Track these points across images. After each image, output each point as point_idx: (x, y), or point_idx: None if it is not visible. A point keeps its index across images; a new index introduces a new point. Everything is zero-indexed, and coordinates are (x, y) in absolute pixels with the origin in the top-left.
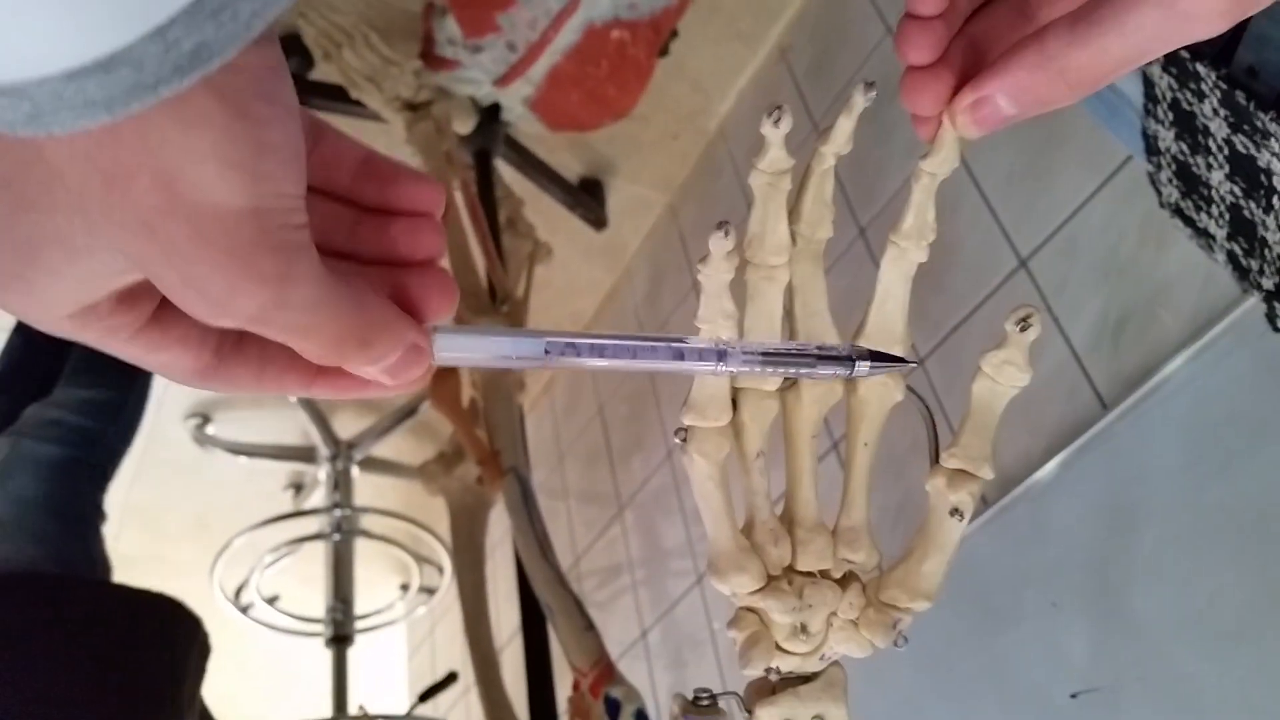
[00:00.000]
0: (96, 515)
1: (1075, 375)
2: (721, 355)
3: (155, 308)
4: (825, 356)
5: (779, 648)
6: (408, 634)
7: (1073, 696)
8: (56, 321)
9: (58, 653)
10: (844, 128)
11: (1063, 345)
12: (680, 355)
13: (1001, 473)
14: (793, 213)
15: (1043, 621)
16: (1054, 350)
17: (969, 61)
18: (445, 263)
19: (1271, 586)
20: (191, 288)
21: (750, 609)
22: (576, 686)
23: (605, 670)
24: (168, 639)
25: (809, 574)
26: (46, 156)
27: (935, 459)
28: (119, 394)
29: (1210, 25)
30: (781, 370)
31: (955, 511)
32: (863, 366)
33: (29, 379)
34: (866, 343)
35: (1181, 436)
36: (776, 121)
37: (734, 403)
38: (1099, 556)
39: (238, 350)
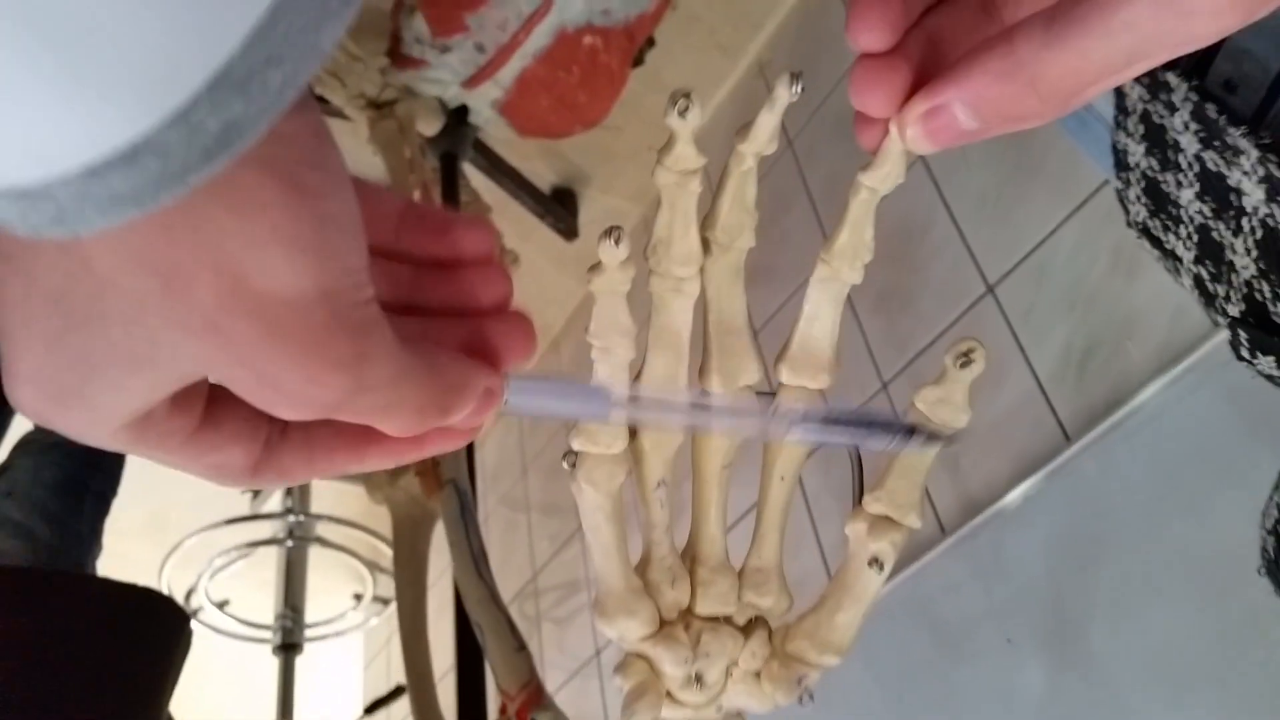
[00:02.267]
0: (94, 537)
1: (1039, 405)
2: (792, 424)
3: (205, 405)
4: (881, 425)
5: (670, 697)
6: (364, 644)
7: None
8: (112, 435)
9: (54, 650)
10: (766, 124)
11: (1027, 373)
12: (738, 414)
13: (964, 500)
14: (708, 218)
15: (998, 657)
16: (1018, 378)
17: (927, 58)
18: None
19: (1232, 630)
20: (268, 386)
21: (640, 655)
22: (504, 710)
23: (534, 694)
24: (161, 637)
25: (709, 619)
26: (94, 267)
27: (858, 500)
28: None
29: (1215, 24)
30: (837, 441)
31: (875, 562)
32: (917, 440)
33: None
34: (789, 367)
35: (1146, 472)
36: (683, 112)
37: (634, 428)
38: (1058, 591)
39: (284, 438)
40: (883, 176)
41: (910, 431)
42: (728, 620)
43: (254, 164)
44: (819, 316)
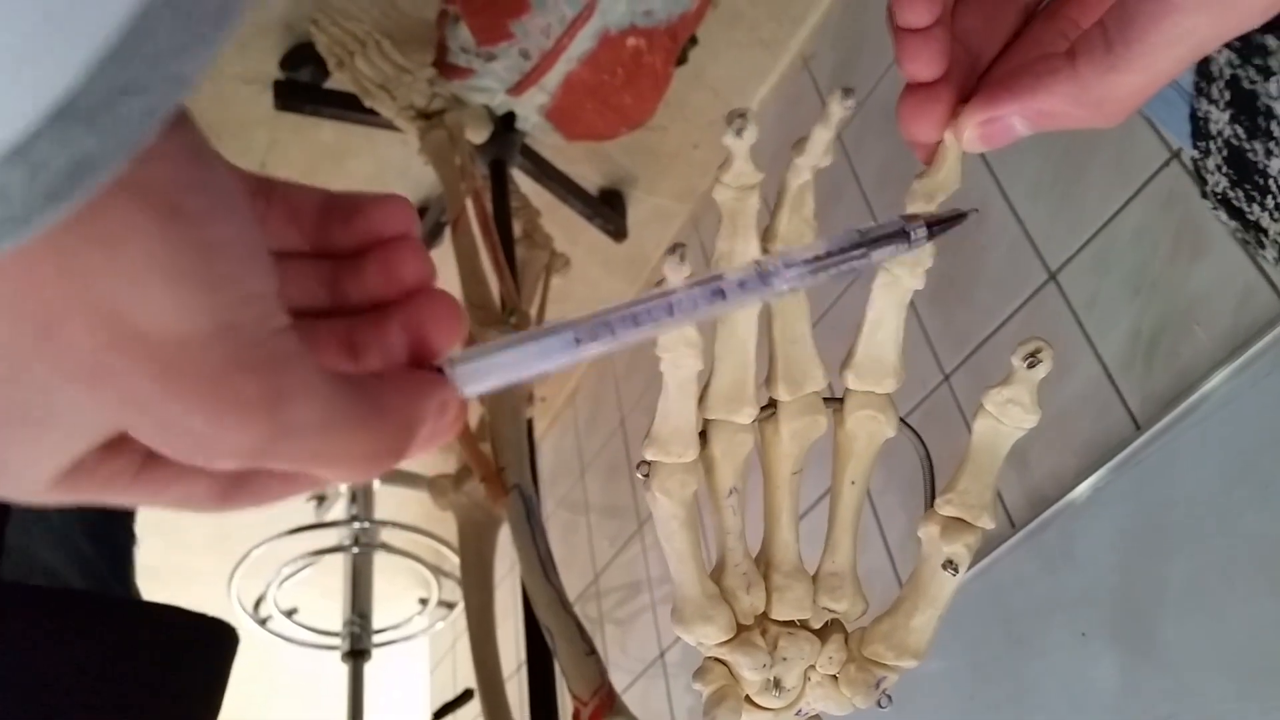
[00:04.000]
0: (129, 539)
1: (1108, 394)
2: (765, 278)
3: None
4: (875, 239)
5: (749, 702)
6: (430, 648)
7: None
8: (44, 495)
9: (99, 674)
10: (821, 138)
11: (1094, 362)
12: (722, 294)
13: (1032, 494)
14: (768, 230)
15: (1071, 651)
16: (1085, 367)
17: (965, 67)
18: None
19: None
20: (170, 431)
21: (718, 660)
22: (576, 715)
23: (606, 699)
24: (210, 660)
25: (786, 623)
26: None
27: (930, 503)
28: None
29: (1272, 9)
30: (835, 272)
31: (949, 564)
32: (920, 235)
33: None
34: (855, 374)
35: (1219, 459)
36: (739, 131)
37: (705, 435)
38: (1130, 584)
39: None
40: (939, 182)
41: (907, 232)
42: (804, 625)
43: (121, 192)
44: (883, 322)
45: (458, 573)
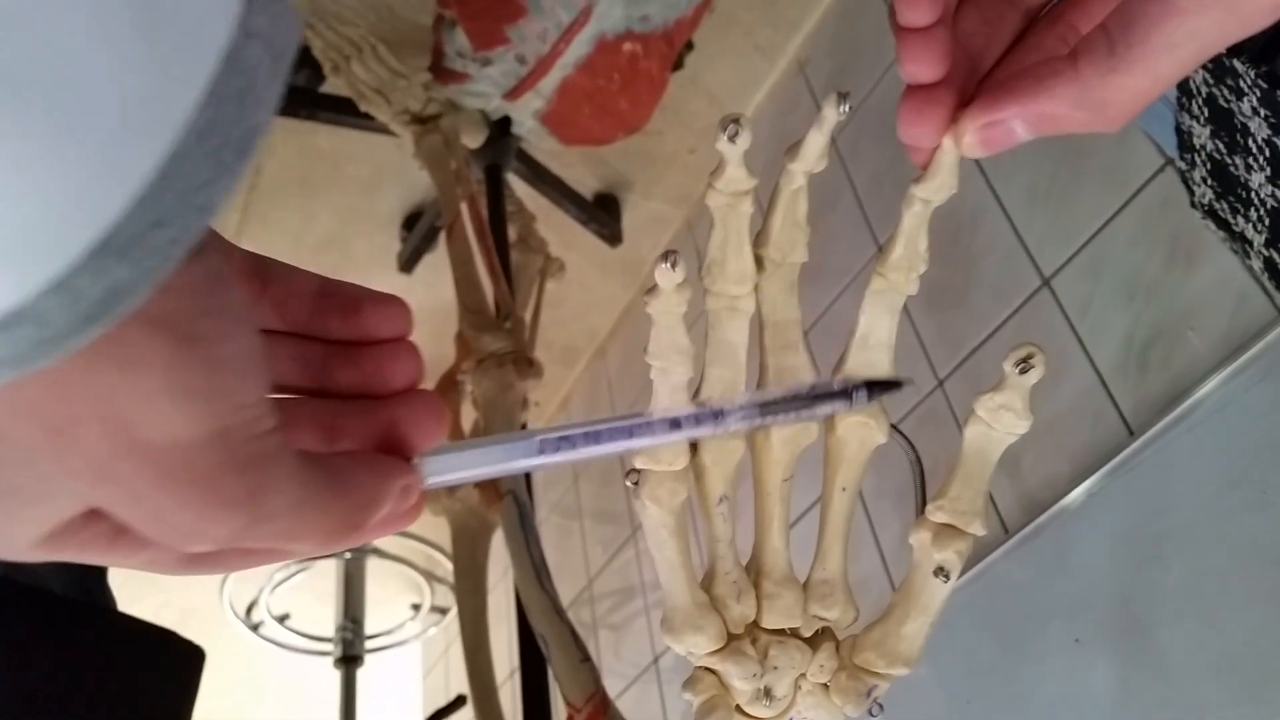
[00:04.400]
0: None
1: (1101, 399)
2: (718, 416)
3: None
4: (820, 395)
5: (740, 711)
6: (422, 654)
7: None
8: (26, 554)
9: (71, 680)
10: (815, 143)
11: (1088, 368)
12: (678, 424)
13: (1025, 499)
14: (761, 235)
15: (1066, 657)
16: (1079, 373)
17: (966, 71)
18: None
19: None
20: (159, 522)
21: (709, 669)
22: None
23: (599, 705)
24: (179, 678)
25: (776, 632)
26: None
27: (921, 509)
28: None
29: (1275, 14)
30: (781, 419)
31: (940, 571)
32: (861, 397)
33: None
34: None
35: (1213, 465)
36: (733, 137)
37: (695, 443)
38: (1126, 589)
39: None
40: (936, 187)
41: (850, 392)
42: (794, 633)
43: (144, 321)
44: (875, 328)
45: (450, 578)
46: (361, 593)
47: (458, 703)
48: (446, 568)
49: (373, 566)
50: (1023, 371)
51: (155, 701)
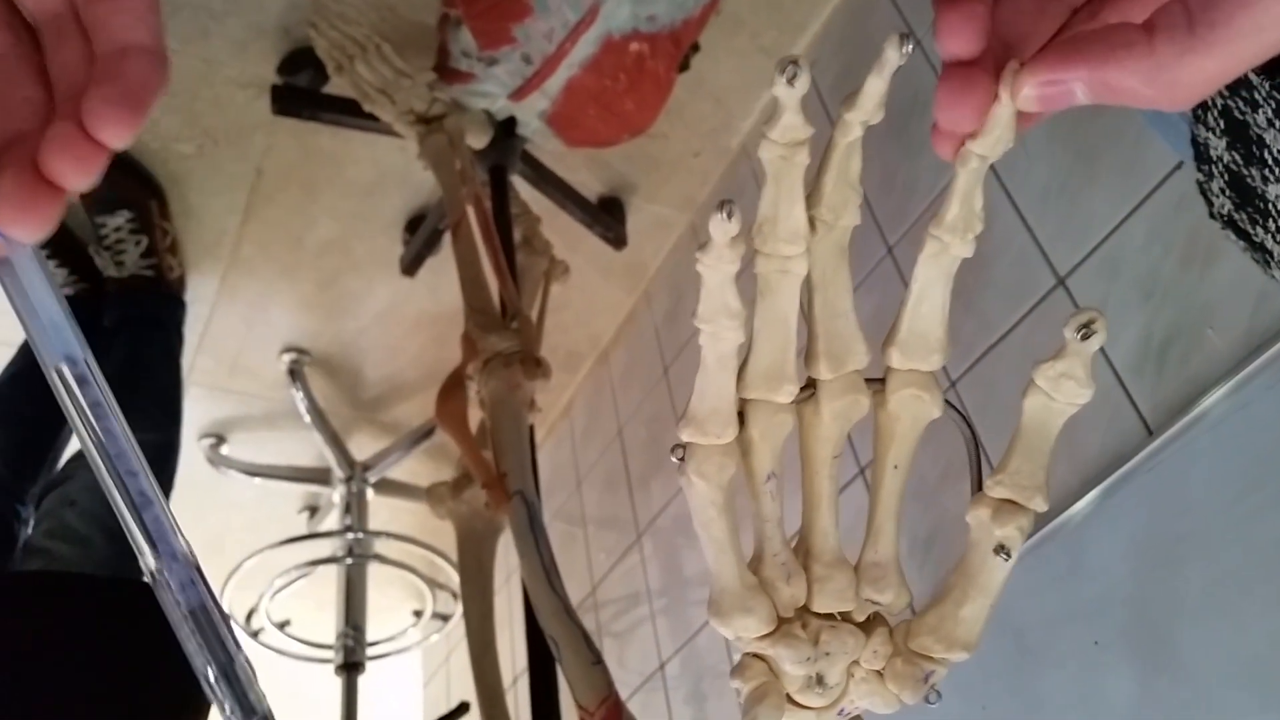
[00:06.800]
0: None
1: (1119, 399)
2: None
3: None
4: None
5: (791, 700)
6: (423, 660)
7: None
8: None
9: (105, 650)
10: (874, 89)
11: (1105, 367)
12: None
13: None
14: (812, 195)
15: (1084, 662)
16: (1096, 372)
17: (1003, 58)
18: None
19: None
20: None
21: (758, 656)
22: None
23: (613, 709)
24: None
25: (827, 616)
26: None
27: (978, 486)
28: (166, 435)
29: None
30: None
31: (1001, 549)
32: None
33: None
34: (899, 351)
35: (1232, 465)
36: (791, 79)
37: (742, 416)
38: (1144, 591)
39: None
40: (993, 142)
41: None
42: (846, 617)
43: None
44: (928, 295)
45: (453, 585)
46: (363, 599)
47: (461, 709)
48: (449, 574)
49: (375, 572)
50: (1084, 338)
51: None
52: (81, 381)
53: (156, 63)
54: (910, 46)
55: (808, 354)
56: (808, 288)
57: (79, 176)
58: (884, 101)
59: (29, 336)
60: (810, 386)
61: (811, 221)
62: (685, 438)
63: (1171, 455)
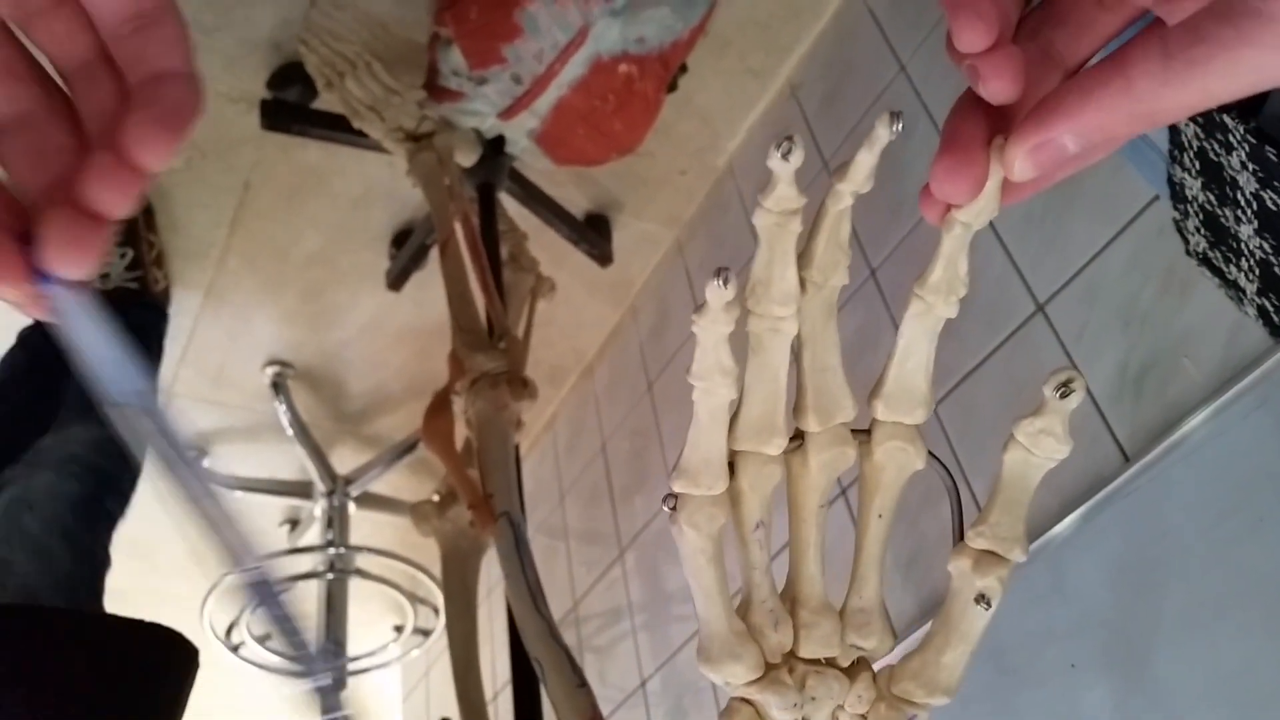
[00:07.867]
0: (105, 560)
1: (1096, 426)
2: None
3: None
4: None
5: None
6: (402, 676)
7: None
8: None
9: (67, 686)
10: (864, 163)
11: (1082, 394)
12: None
13: None
14: (803, 257)
15: (1062, 683)
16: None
17: (997, 132)
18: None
19: None
20: None
21: (746, 700)
22: None
23: None
24: (170, 673)
25: (813, 662)
26: None
27: (960, 536)
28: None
29: None
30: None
31: (981, 599)
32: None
33: (31, 393)
34: (885, 404)
35: (1209, 493)
36: (786, 154)
37: (731, 467)
38: (1121, 616)
39: None
40: (978, 211)
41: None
42: (831, 662)
43: None
44: (913, 351)
45: (434, 599)
46: (343, 614)
47: None
48: (430, 589)
49: (356, 587)
50: (1063, 396)
51: (151, 691)
52: (150, 415)
53: (192, 86)
54: (900, 125)
55: (796, 407)
56: (798, 343)
57: (121, 202)
58: (874, 173)
59: (90, 377)
60: (799, 438)
61: (802, 282)
62: (677, 489)
63: (1148, 481)
